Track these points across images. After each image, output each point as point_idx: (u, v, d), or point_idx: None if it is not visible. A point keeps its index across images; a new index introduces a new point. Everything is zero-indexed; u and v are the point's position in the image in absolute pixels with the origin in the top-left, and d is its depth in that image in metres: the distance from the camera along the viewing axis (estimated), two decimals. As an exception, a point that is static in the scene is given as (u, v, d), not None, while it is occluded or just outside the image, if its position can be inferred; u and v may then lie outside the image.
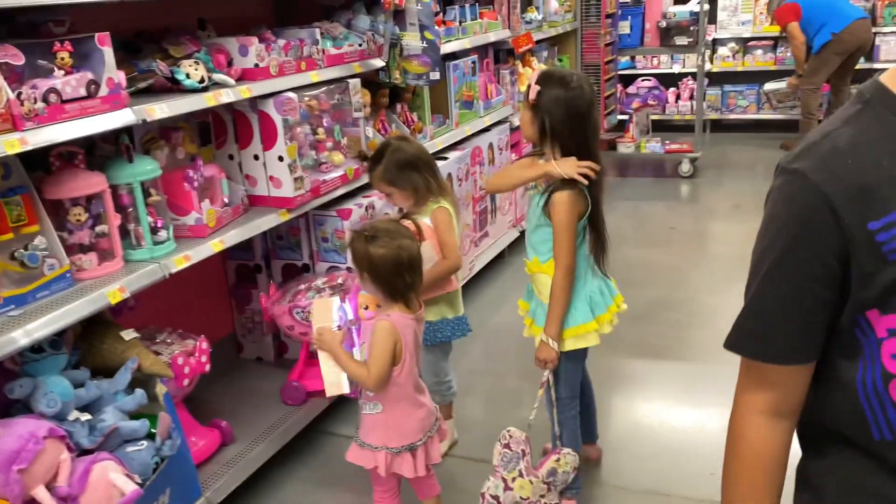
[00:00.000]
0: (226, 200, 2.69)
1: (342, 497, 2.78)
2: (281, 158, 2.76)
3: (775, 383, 1.12)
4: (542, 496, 2.34)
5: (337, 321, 2.31)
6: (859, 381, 1.02)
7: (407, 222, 2.34)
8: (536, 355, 2.44)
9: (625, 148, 6.86)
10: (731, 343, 1.16)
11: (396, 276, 2.15)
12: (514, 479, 2.32)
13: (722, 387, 3.37)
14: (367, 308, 2.36)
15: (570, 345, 2.48)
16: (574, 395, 2.56)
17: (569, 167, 2.31)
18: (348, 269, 3.15)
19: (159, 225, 2.37)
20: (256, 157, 2.80)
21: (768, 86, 7.72)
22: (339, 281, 3.01)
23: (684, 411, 3.21)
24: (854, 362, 1.03)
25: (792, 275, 1.06)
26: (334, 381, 2.28)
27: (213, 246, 2.46)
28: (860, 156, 0.99)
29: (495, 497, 2.34)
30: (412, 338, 2.19)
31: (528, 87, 2.36)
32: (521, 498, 2.32)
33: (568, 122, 2.31)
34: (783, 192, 1.07)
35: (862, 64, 7.22)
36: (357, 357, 2.25)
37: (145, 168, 2.31)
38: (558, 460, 2.36)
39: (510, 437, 2.36)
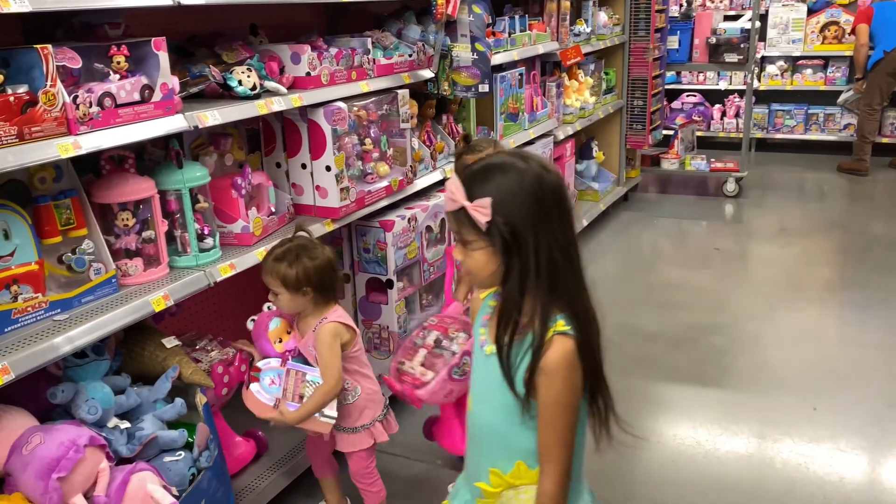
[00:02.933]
0: (272, 209, 2.66)
1: None
2: (328, 168, 2.73)
3: None
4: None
5: (270, 398, 2.30)
6: None
7: None
8: None
9: (669, 164, 6.75)
10: None
11: (333, 278, 2.31)
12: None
13: (764, 416, 3.33)
14: (281, 341, 2.38)
15: None
16: None
17: None
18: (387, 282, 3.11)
19: (206, 232, 2.35)
20: (304, 167, 2.78)
21: (841, 98, 7.52)
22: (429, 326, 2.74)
23: (726, 440, 3.11)
24: None
25: None
26: (318, 426, 2.29)
27: (258, 255, 2.43)
28: None
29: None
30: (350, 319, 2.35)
31: (451, 199, 1.45)
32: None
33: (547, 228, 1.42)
34: None
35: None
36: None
37: (194, 174, 2.30)
38: None
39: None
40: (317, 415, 2.26)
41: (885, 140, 7.62)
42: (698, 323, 4.19)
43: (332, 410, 2.28)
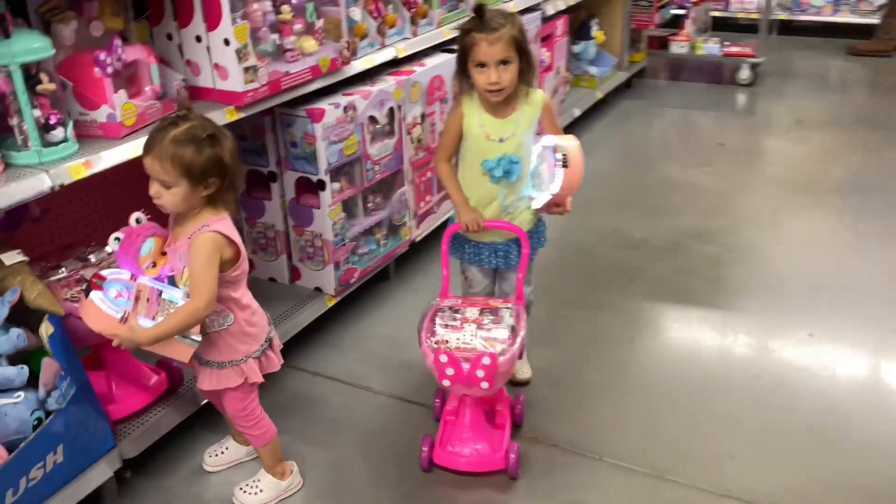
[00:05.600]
0: (157, 92, 2.17)
1: (307, 436, 2.39)
2: (227, 42, 2.22)
3: None
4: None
5: (116, 311, 1.85)
6: None
7: None
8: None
9: (678, 48, 6.08)
10: None
11: (238, 174, 1.95)
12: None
13: (752, 340, 2.90)
14: (155, 265, 1.93)
15: None
16: None
17: None
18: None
19: (53, 121, 1.87)
20: (199, 39, 2.26)
21: None
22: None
23: (704, 366, 2.71)
24: None
25: None
26: (177, 351, 1.87)
27: (134, 149, 1.96)
28: None
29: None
30: (236, 234, 1.91)
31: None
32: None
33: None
34: None
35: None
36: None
37: (28, 46, 1.79)
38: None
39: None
40: (178, 336, 1.86)
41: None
42: (691, 228, 3.72)
43: (197, 335, 1.88)
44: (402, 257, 3.30)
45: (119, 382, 2.21)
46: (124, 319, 1.82)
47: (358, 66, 2.81)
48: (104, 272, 1.89)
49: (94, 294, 1.85)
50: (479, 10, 2.14)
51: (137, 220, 1.92)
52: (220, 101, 2.30)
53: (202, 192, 1.82)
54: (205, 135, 1.78)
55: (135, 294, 1.85)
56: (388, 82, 2.94)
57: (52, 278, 2.06)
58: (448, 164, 2.37)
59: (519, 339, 2.13)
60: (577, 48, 5.36)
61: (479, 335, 2.13)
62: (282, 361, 2.12)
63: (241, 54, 2.23)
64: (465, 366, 2.04)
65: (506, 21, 2.14)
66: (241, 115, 2.32)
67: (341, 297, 2.93)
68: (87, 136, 2.01)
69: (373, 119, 2.88)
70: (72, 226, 2.51)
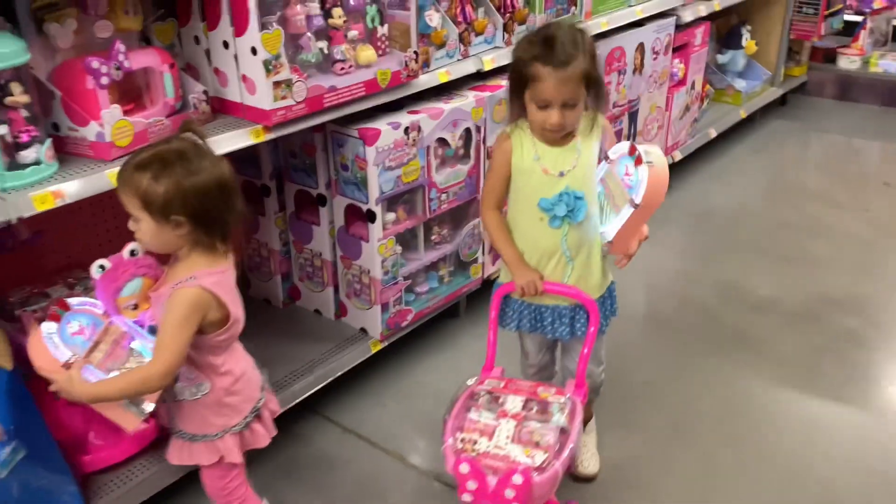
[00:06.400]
0: (172, 105, 1.87)
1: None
2: (254, 51, 1.88)
3: None
4: None
5: (64, 351, 1.54)
6: None
7: None
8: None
9: (847, 62, 5.25)
10: None
11: (223, 209, 1.52)
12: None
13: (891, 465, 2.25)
14: (136, 307, 1.62)
15: None
16: None
17: None
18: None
19: (25, 139, 1.60)
20: (226, 45, 1.94)
21: None
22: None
23: (843, 479, 2.13)
24: None
25: None
26: (122, 418, 1.56)
27: (110, 177, 1.67)
28: None
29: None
30: (236, 292, 1.59)
31: None
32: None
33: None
34: None
35: None
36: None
37: (-8, 51, 1.52)
38: None
39: None
40: (125, 402, 1.54)
41: None
42: (833, 291, 3.07)
43: (149, 404, 1.56)
44: (478, 292, 2.87)
45: (98, 426, 1.92)
46: (67, 365, 1.53)
47: (428, 80, 2.41)
48: (71, 300, 1.61)
49: (46, 326, 1.56)
50: (549, 40, 1.69)
51: (132, 253, 1.62)
52: (247, 118, 1.98)
53: (174, 232, 1.49)
54: (167, 161, 1.45)
55: (100, 335, 1.56)
56: (466, 99, 2.52)
57: (30, 308, 1.81)
58: (497, 212, 1.94)
59: (568, 449, 1.68)
60: (722, 58, 4.70)
61: (517, 436, 1.70)
62: (273, 433, 1.77)
63: (270, 66, 1.88)
64: (492, 480, 1.61)
65: (577, 50, 1.68)
66: (270, 136, 1.97)
67: (390, 342, 2.56)
68: (78, 156, 1.73)
69: (442, 141, 2.47)
70: (83, 243, 2.24)
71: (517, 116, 1.84)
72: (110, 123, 1.69)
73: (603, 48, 3.16)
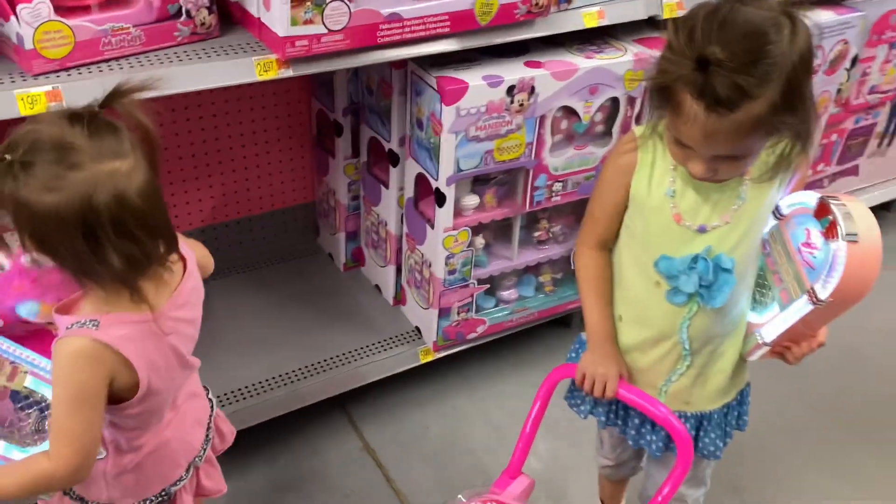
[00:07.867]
0: (157, 5, 1.35)
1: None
2: (268, -50, 1.29)
3: None
4: None
5: None
6: None
7: None
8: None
9: None
10: None
11: (97, 239, 0.92)
12: None
13: None
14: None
15: None
16: None
17: None
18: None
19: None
20: (243, -64, 1.36)
21: None
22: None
23: None
24: None
25: None
26: None
27: (20, 101, 1.20)
28: None
29: None
30: (161, 353, 1.04)
31: None
32: None
33: None
34: None
35: None
36: None
37: None
38: None
39: None
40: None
41: None
42: None
43: (50, 495, 1.13)
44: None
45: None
46: None
47: (566, 21, 1.67)
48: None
49: None
50: (704, 59, 0.95)
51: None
52: (263, 41, 1.41)
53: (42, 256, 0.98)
54: (40, 152, 0.91)
55: None
56: (620, 55, 1.76)
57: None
58: (599, 254, 1.27)
59: None
60: None
61: None
62: (223, 490, 1.30)
63: (289, -23, 1.29)
64: None
65: (762, 76, 0.95)
66: (287, 72, 1.40)
67: (445, 354, 1.98)
68: (6, 58, 1.29)
69: (570, 111, 1.75)
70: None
71: (658, 116, 1.11)
72: (31, 24, 1.21)
73: (871, 9, 2.17)
